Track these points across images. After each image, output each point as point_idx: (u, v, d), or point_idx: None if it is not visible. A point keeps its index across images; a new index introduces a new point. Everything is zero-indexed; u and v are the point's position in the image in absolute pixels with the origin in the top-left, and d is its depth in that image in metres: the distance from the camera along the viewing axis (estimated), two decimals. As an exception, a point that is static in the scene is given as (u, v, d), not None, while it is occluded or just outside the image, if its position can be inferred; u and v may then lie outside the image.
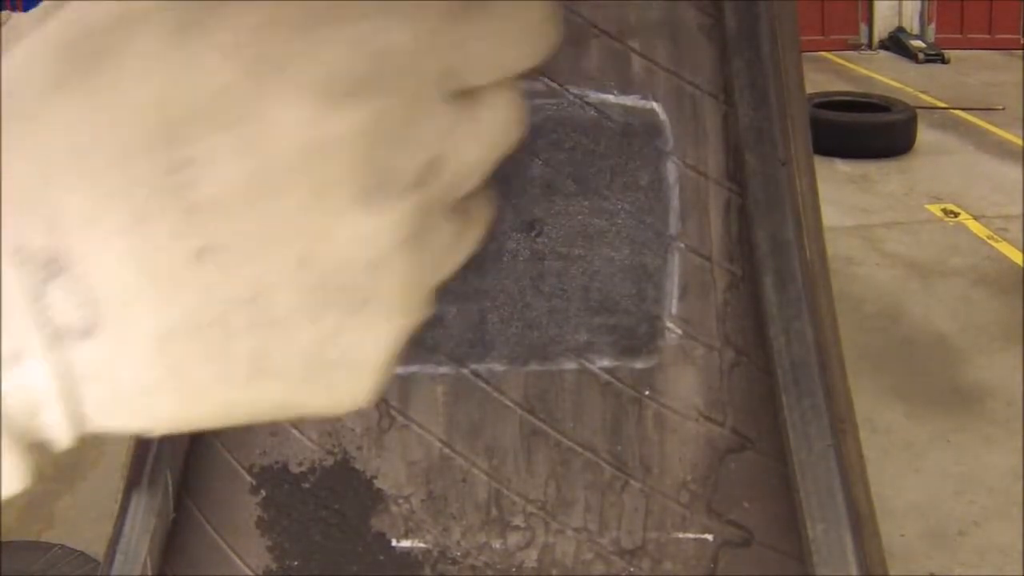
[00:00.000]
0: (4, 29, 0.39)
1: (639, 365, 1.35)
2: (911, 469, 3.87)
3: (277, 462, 1.40)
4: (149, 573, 1.29)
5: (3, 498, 0.38)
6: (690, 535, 1.33)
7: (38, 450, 0.36)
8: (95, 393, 0.35)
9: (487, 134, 0.39)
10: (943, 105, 9.10)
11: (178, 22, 0.34)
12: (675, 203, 1.34)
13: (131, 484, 1.32)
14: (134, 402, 0.36)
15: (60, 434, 0.35)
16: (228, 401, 0.38)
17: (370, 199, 0.35)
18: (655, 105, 1.34)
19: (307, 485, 1.39)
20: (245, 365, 0.36)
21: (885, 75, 10.50)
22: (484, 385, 1.37)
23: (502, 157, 0.40)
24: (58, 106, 0.34)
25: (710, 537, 1.33)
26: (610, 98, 1.34)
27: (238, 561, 1.38)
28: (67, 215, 0.33)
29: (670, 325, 1.35)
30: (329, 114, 0.34)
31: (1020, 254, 5.86)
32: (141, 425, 0.38)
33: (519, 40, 0.38)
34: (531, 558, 1.36)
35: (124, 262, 0.33)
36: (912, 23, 12.05)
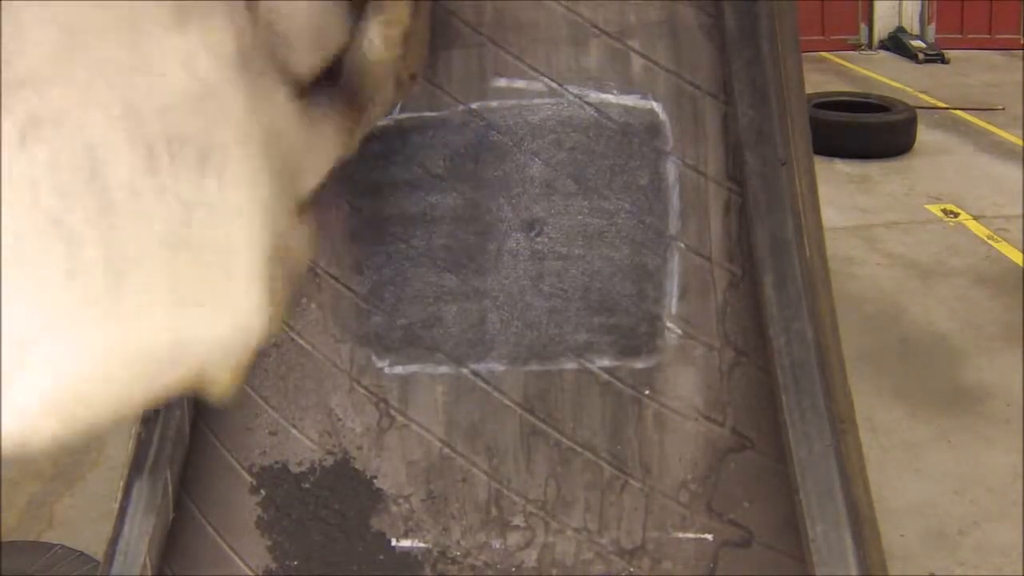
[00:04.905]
0: None
1: (639, 365, 1.35)
2: (911, 469, 3.87)
3: (277, 462, 1.40)
4: (149, 573, 1.28)
5: None
6: (690, 535, 1.33)
7: None
8: None
9: None
10: (943, 105, 9.10)
11: None
12: (675, 203, 1.34)
13: (131, 484, 1.32)
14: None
15: None
16: (106, 346, 0.34)
17: (185, 19, 0.34)
18: (655, 105, 1.34)
19: (307, 485, 1.39)
20: (101, 271, 0.33)
21: (885, 75, 10.50)
22: (484, 385, 1.37)
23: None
24: None
25: (710, 537, 1.33)
26: (610, 98, 1.34)
27: (238, 561, 1.38)
28: None
29: (670, 325, 1.35)
30: None
31: (1020, 254, 5.86)
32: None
33: None
34: (531, 558, 1.36)
35: None
36: (912, 23, 12.06)
